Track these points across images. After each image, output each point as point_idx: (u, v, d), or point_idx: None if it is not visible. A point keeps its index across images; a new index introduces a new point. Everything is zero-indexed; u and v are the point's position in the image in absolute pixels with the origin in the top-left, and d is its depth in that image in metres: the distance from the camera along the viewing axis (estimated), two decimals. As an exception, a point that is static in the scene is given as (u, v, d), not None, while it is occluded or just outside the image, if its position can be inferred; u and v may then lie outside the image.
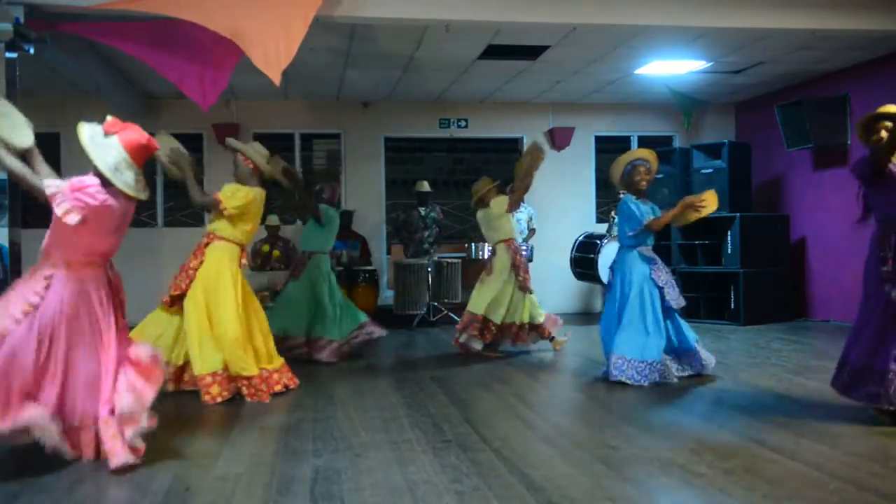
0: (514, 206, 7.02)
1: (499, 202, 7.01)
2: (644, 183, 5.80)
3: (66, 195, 3.54)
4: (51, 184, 3.56)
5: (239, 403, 5.09)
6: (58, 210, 3.55)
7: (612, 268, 5.88)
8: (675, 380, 5.55)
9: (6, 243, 5.48)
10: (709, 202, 5.76)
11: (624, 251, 5.80)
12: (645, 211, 5.75)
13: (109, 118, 3.72)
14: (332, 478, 3.45)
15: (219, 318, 5.14)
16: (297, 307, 6.67)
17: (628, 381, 5.44)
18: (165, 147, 5.06)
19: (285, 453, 3.87)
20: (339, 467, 3.61)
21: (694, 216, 5.82)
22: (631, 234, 5.73)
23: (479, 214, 7.24)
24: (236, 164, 5.39)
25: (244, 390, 5.13)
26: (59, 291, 3.62)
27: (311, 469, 3.59)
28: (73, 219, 3.55)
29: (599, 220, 10.86)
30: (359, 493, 3.25)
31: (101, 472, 3.55)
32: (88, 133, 3.65)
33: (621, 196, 9.20)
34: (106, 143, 3.65)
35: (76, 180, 3.61)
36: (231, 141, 5.52)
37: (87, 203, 3.58)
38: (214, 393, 5.05)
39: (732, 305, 9.26)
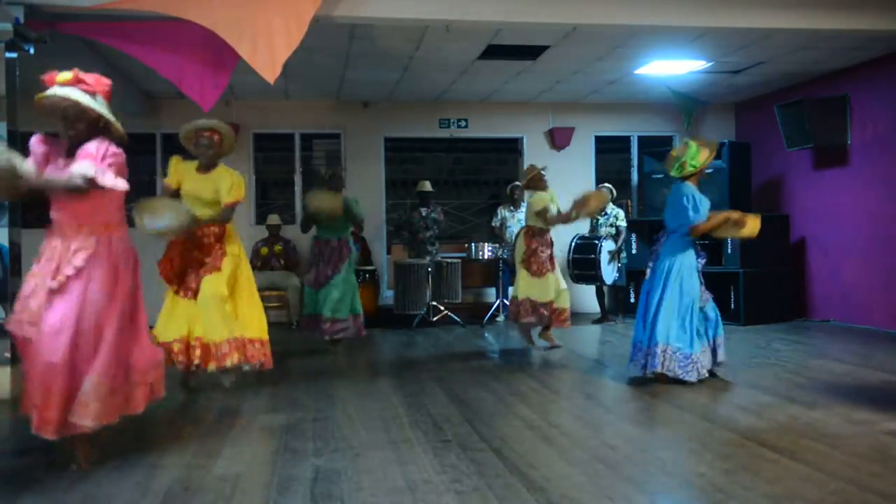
0: (551, 221, 7.12)
1: (538, 200, 7.16)
2: (705, 170, 5.68)
3: (100, 166, 3.54)
4: (81, 167, 3.51)
5: (239, 403, 5.10)
6: (106, 181, 3.55)
7: (655, 254, 5.71)
8: (706, 375, 5.53)
9: (6, 243, 5.48)
10: (750, 225, 5.54)
11: (677, 238, 5.61)
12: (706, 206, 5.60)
13: (68, 75, 3.65)
14: (332, 478, 3.46)
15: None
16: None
17: (681, 377, 5.36)
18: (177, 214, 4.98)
19: (285, 453, 3.87)
20: (339, 467, 3.61)
21: (731, 233, 5.65)
22: (687, 224, 5.52)
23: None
24: (209, 145, 5.38)
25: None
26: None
27: (311, 469, 3.59)
28: (123, 183, 3.62)
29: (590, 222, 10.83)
30: (359, 493, 3.25)
31: (101, 472, 3.55)
32: (84, 97, 3.62)
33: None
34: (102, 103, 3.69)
35: (90, 150, 3.57)
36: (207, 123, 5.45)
37: (120, 161, 3.64)
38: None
39: (732, 305, 9.26)
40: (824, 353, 7.02)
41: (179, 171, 5.40)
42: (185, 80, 5.75)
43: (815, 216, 9.53)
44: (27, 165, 3.50)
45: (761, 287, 9.14)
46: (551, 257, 7.18)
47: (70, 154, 3.63)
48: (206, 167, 5.42)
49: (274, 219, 9.60)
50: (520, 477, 3.45)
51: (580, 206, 6.83)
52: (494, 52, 7.82)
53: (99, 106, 3.64)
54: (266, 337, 5.40)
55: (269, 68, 5.27)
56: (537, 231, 7.15)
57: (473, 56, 8.03)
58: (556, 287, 7.05)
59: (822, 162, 9.38)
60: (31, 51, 5.61)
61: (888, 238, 8.35)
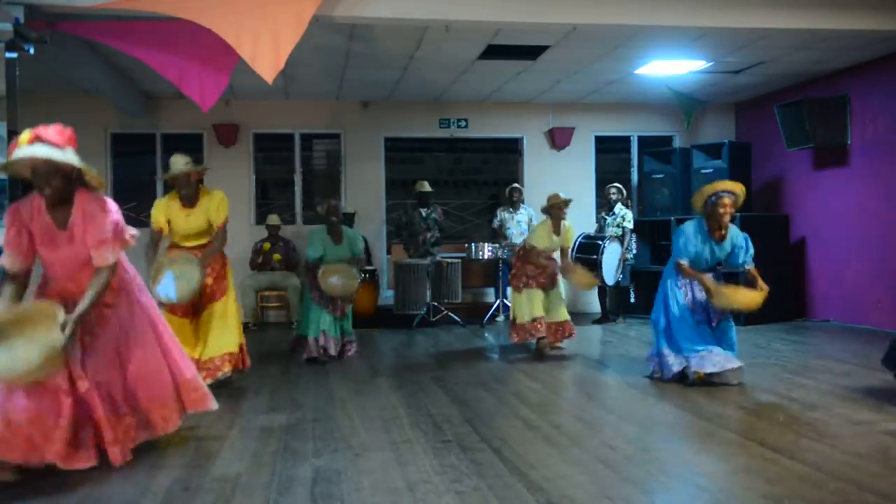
0: (532, 257, 6.97)
1: (539, 232, 7.05)
2: (727, 217, 5.45)
3: (116, 245, 3.66)
4: (101, 261, 3.61)
5: (239, 403, 5.10)
6: (119, 256, 3.70)
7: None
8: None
9: (6, 243, 5.48)
10: (743, 302, 5.51)
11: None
12: (699, 250, 5.52)
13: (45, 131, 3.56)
14: (332, 478, 3.46)
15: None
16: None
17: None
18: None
19: (285, 453, 3.87)
20: (339, 467, 3.61)
21: (725, 303, 5.51)
22: (674, 258, 5.60)
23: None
24: (188, 184, 5.44)
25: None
26: None
27: (311, 469, 3.59)
28: (131, 242, 3.76)
29: (596, 221, 10.84)
30: (359, 493, 3.25)
31: (101, 472, 3.55)
32: (71, 156, 3.58)
33: (612, 198, 9.30)
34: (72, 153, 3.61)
35: (104, 232, 3.61)
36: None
37: (121, 219, 3.73)
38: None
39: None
40: (824, 353, 7.02)
41: (165, 212, 5.49)
42: (185, 80, 5.75)
43: (815, 216, 9.53)
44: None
45: (761, 287, 9.13)
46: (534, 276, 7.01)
47: (54, 209, 3.60)
48: (191, 201, 5.48)
49: (274, 219, 9.60)
50: (520, 477, 3.45)
51: (566, 273, 6.96)
52: (494, 52, 7.82)
53: (70, 157, 3.55)
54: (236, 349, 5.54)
55: (269, 68, 5.27)
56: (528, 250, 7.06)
57: (473, 56, 8.03)
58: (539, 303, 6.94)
59: (822, 162, 9.38)
60: (31, 51, 5.61)
61: (888, 238, 8.35)
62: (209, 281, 5.41)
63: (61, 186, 3.55)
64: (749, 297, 5.48)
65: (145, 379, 3.81)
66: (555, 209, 6.98)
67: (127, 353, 3.77)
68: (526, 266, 6.98)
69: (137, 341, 3.82)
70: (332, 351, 6.76)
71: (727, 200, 5.41)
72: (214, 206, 5.44)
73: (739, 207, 5.55)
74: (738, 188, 5.50)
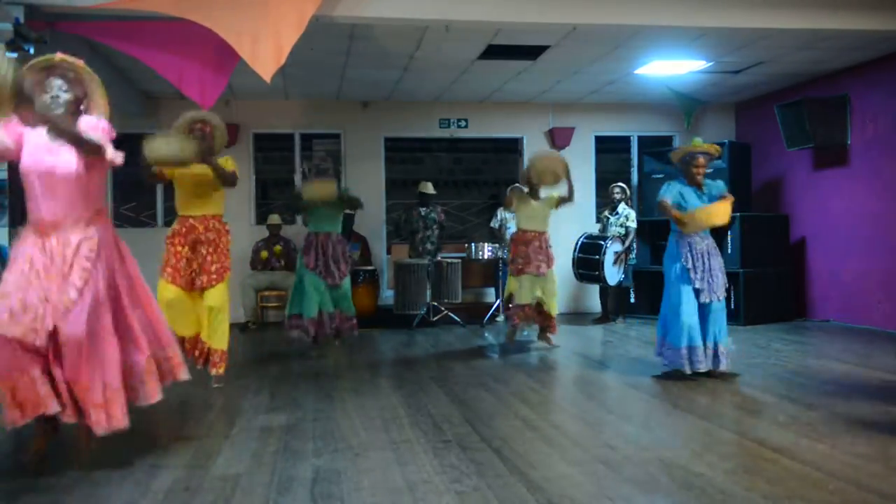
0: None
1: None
2: (700, 175, 5.79)
3: (104, 137, 3.61)
4: (90, 132, 3.56)
5: (239, 403, 5.10)
6: (110, 152, 3.61)
7: (670, 253, 5.81)
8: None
9: (6, 243, 5.48)
10: (714, 216, 5.68)
11: (679, 234, 5.77)
12: (679, 194, 5.76)
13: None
14: (332, 478, 3.46)
15: None
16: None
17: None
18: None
19: (285, 453, 3.87)
20: (339, 467, 3.61)
21: (699, 225, 5.69)
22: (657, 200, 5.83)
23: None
24: (203, 137, 5.34)
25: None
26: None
27: (311, 469, 3.59)
28: (120, 157, 3.68)
29: (599, 221, 10.84)
30: (359, 493, 3.25)
31: (101, 472, 3.55)
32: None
33: (616, 197, 9.35)
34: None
35: (90, 121, 3.62)
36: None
37: (112, 138, 3.70)
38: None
39: (732, 305, 9.25)
40: (824, 353, 7.02)
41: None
42: (185, 80, 5.75)
43: (815, 216, 9.53)
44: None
45: (761, 287, 9.14)
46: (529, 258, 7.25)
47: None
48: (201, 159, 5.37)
49: (274, 218, 9.60)
50: (520, 477, 3.44)
51: (541, 169, 7.18)
52: (494, 52, 7.82)
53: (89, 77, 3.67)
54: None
55: (268, 68, 5.27)
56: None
57: (473, 56, 8.03)
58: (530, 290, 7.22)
59: (822, 162, 9.38)
60: (31, 51, 5.60)
61: (888, 238, 8.35)
62: (208, 250, 5.39)
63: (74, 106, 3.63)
64: (717, 209, 5.71)
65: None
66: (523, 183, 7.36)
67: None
68: (519, 248, 7.25)
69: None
70: (328, 328, 6.93)
71: (701, 160, 5.78)
72: (221, 161, 5.40)
73: (713, 158, 5.91)
74: (714, 149, 5.89)
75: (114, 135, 3.71)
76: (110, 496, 3.29)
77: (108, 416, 3.51)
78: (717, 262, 5.76)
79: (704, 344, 5.61)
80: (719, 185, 5.92)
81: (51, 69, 3.66)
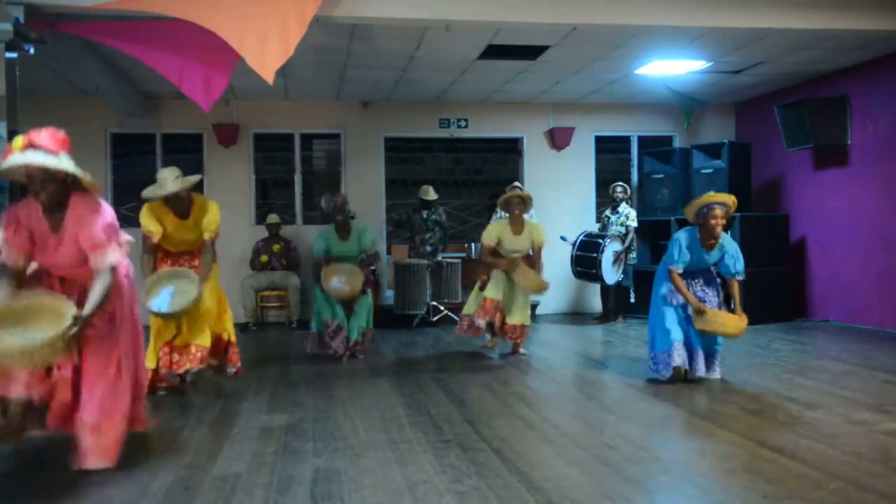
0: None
1: (488, 230, 6.91)
2: (719, 228, 5.48)
3: (111, 246, 3.63)
4: (100, 263, 3.58)
5: (239, 403, 5.10)
6: (118, 258, 3.67)
7: (662, 274, 5.73)
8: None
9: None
10: (727, 329, 5.52)
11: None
12: (689, 258, 5.55)
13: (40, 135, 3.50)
14: (332, 478, 3.46)
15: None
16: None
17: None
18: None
19: (285, 453, 3.87)
20: (339, 467, 3.61)
21: (708, 327, 5.51)
22: (667, 265, 5.61)
23: None
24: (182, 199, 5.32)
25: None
26: None
27: (311, 469, 3.59)
28: (126, 248, 3.79)
29: (599, 220, 10.85)
30: (359, 493, 3.25)
31: (101, 472, 3.55)
32: (65, 162, 3.53)
33: (618, 196, 9.32)
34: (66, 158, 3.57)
35: (96, 236, 3.58)
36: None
37: (116, 223, 3.72)
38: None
39: (732, 305, 9.24)
40: (824, 353, 7.02)
41: (159, 217, 5.29)
42: (185, 80, 5.75)
43: (815, 216, 9.53)
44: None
45: (761, 287, 9.12)
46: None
47: (50, 213, 3.57)
48: (184, 212, 5.34)
49: (274, 218, 9.60)
50: (520, 477, 3.45)
51: (513, 269, 6.60)
52: (494, 52, 7.82)
53: (65, 163, 3.49)
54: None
55: (269, 68, 5.26)
56: None
57: (473, 56, 8.02)
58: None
59: (822, 162, 9.38)
60: (31, 51, 5.61)
61: (888, 238, 8.35)
62: (190, 264, 5.43)
63: (56, 191, 3.52)
64: (733, 325, 5.50)
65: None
66: (504, 205, 6.79)
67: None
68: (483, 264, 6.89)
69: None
70: (340, 349, 6.73)
71: (718, 212, 5.45)
72: (209, 219, 5.29)
73: (731, 218, 5.59)
74: (730, 199, 5.52)
75: (114, 220, 3.70)
76: (110, 496, 3.29)
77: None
78: (711, 289, 5.73)
79: (696, 350, 5.60)
80: (732, 252, 5.61)
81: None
